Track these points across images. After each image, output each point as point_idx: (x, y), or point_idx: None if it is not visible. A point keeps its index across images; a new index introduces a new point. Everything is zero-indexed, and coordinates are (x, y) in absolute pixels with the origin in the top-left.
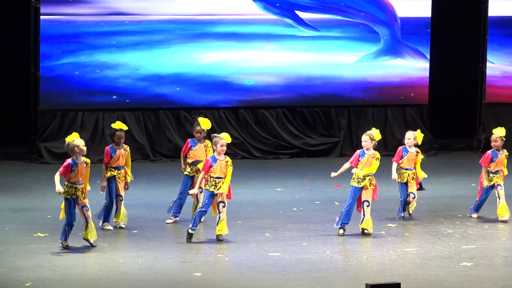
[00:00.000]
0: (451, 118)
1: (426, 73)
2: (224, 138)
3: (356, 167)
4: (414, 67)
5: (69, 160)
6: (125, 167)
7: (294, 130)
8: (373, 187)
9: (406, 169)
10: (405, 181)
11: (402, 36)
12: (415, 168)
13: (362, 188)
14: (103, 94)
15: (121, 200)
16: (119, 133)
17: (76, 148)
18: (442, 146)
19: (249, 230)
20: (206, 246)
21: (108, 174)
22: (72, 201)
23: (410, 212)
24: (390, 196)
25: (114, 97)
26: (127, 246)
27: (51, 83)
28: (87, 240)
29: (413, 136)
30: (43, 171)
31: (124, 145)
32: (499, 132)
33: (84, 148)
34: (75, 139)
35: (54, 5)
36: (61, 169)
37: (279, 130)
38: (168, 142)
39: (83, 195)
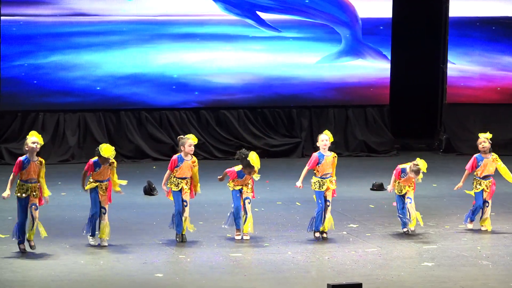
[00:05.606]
0: (412, 119)
1: (387, 74)
2: (191, 138)
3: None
4: (375, 68)
5: (21, 158)
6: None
7: (256, 131)
8: (334, 187)
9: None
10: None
11: (363, 36)
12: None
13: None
14: (62, 95)
15: (104, 213)
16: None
17: (25, 145)
18: (403, 147)
19: (211, 231)
20: (167, 247)
21: (88, 186)
22: (23, 201)
23: (412, 229)
24: (352, 197)
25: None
26: (88, 247)
27: (11, 84)
28: (29, 241)
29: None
30: (3, 172)
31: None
32: (484, 134)
33: (33, 145)
34: (29, 136)
35: (14, 6)
36: (14, 168)
37: (240, 130)
38: (129, 143)
39: (35, 194)
